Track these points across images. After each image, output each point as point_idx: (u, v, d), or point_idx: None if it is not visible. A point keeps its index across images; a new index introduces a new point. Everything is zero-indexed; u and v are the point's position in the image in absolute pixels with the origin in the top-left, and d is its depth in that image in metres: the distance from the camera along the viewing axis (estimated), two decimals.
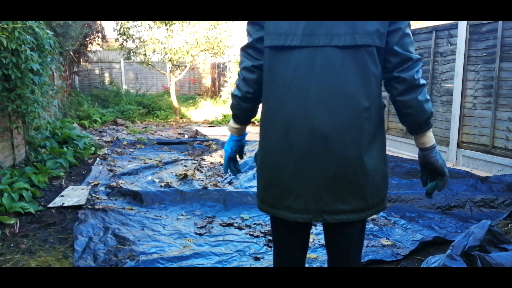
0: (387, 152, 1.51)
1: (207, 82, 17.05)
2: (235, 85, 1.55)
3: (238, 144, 1.66)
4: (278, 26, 1.35)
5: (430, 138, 1.43)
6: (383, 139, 1.45)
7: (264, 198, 1.49)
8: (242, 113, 1.58)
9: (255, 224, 3.32)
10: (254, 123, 1.67)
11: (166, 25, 11.29)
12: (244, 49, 1.50)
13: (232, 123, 1.63)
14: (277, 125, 1.39)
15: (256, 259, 2.69)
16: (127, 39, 11.77)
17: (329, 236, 1.56)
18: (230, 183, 4.64)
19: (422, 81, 1.37)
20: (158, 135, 8.77)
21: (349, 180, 1.35)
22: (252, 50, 1.46)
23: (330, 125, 1.31)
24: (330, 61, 1.31)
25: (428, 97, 1.39)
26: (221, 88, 15.05)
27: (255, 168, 1.57)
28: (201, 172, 5.28)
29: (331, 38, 1.30)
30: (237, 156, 1.70)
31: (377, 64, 1.34)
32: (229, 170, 1.69)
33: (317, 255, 2.70)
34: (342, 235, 1.49)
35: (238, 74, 1.54)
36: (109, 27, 34.42)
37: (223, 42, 11.88)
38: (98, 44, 14.09)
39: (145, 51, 11.62)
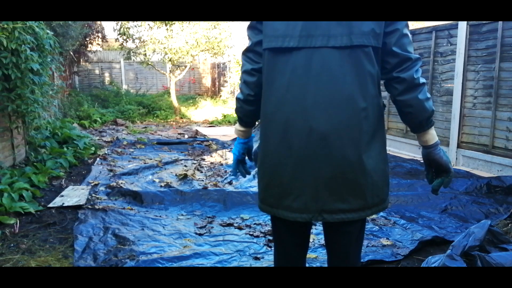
0: (387, 152, 1.51)
1: (207, 82, 17.05)
2: (239, 89, 1.59)
3: (245, 146, 1.69)
4: (275, 28, 1.37)
5: (432, 135, 1.44)
6: (383, 139, 1.45)
7: (264, 198, 1.51)
8: (245, 116, 1.61)
9: (255, 224, 3.32)
10: None
11: (166, 25, 11.29)
12: (244, 53, 1.53)
13: (237, 126, 1.67)
14: (276, 126, 1.40)
15: (256, 259, 2.69)
16: (127, 39, 11.77)
17: (328, 234, 1.57)
18: (230, 183, 4.64)
19: (422, 80, 1.38)
20: (158, 135, 8.77)
21: (348, 179, 1.36)
22: (252, 53, 1.49)
23: (328, 126, 1.33)
24: (327, 61, 1.32)
25: (429, 96, 1.40)
26: (221, 88, 15.04)
27: (255, 169, 1.59)
28: (201, 172, 5.28)
29: (327, 39, 1.31)
30: (246, 158, 1.72)
31: (374, 64, 1.35)
32: (238, 172, 1.72)
33: (317, 255, 2.70)
34: (341, 233, 1.50)
35: (240, 78, 1.56)
36: (109, 27, 34.42)
37: (223, 42, 11.88)
38: (98, 44, 14.09)
39: (145, 51, 11.62)
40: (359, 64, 1.32)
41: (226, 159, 6.08)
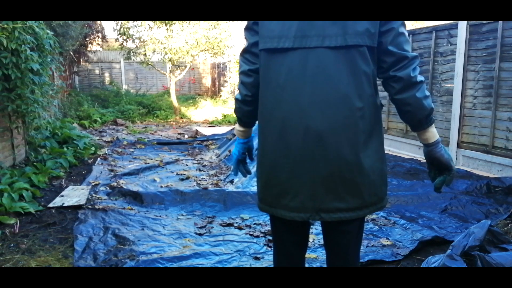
0: (387, 152, 1.51)
1: (207, 82, 17.05)
2: (238, 89, 1.60)
3: (245, 146, 1.71)
4: (271, 29, 1.38)
5: (433, 133, 1.43)
6: (380, 139, 1.46)
7: (263, 198, 1.52)
8: (244, 116, 1.63)
9: (255, 224, 3.32)
10: None
11: (166, 25, 11.29)
12: (241, 54, 1.55)
13: (237, 127, 1.69)
14: (273, 126, 1.41)
15: (256, 259, 2.69)
16: (127, 39, 11.77)
17: (327, 234, 1.57)
18: (231, 182, 4.64)
19: (420, 78, 1.37)
20: (158, 135, 8.77)
21: (345, 178, 1.36)
22: (249, 54, 1.52)
23: (324, 125, 1.33)
24: (322, 61, 1.33)
25: (427, 94, 1.39)
26: (221, 88, 15.05)
27: (255, 169, 1.60)
28: (202, 172, 5.28)
29: (322, 39, 1.32)
30: (247, 157, 1.74)
31: (369, 64, 1.35)
32: (238, 172, 1.73)
33: (317, 255, 2.70)
34: (340, 232, 1.50)
35: (238, 79, 1.58)
36: (109, 27, 34.47)
37: (223, 42, 11.89)
38: (98, 44, 14.10)
39: (145, 51, 11.62)
40: (354, 64, 1.33)
41: (225, 158, 6.08)
